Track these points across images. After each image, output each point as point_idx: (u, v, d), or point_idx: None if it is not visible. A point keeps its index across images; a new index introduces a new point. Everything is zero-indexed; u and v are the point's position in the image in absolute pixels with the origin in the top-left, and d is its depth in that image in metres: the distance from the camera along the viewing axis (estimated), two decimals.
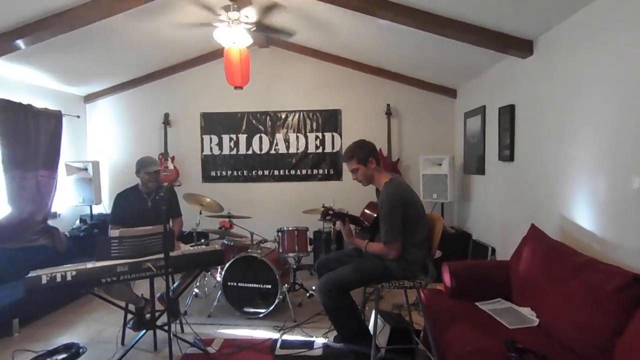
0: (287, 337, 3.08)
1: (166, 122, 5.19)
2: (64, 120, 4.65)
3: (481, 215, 4.13)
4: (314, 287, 3.91)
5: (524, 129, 3.13)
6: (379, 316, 2.53)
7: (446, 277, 2.58)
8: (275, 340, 3.01)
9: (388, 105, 4.92)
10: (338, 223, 2.33)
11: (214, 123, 5.23)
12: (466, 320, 2.21)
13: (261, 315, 3.39)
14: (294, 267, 3.95)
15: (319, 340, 2.98)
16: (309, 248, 3.70)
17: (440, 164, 4.28)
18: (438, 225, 2.32)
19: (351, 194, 4.92)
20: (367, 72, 4.91)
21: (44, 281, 2.19)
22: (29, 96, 4.25)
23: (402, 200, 2.24)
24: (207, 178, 5.26)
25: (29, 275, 2.21)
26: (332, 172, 5.13)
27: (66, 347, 2.90)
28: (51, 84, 4.62)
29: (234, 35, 3.36)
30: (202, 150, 5.25)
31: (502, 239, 3.53)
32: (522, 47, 2.93)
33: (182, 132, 5.26)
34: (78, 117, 5.09)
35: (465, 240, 4.24)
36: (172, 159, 5.14)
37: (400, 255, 2.24)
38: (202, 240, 4.09)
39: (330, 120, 5.11)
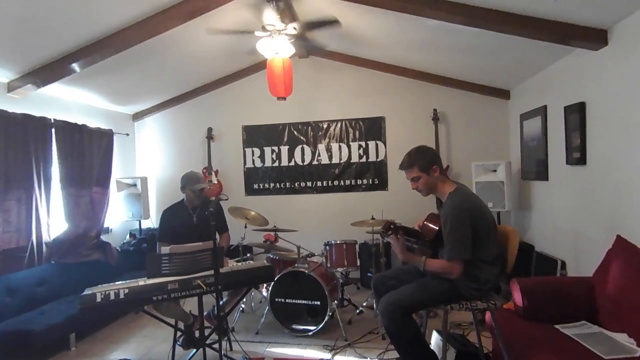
0: (340, 357, 2.91)
1: (209, 136, 5.25)
2: (115, 138, 4.82)
3: (545, 225, 3.77)
4: (364, 304, 3.73)
5: (598, 129, 2.80)
6: (440, 339, 2.30)
7: (517, 295, 2.31)
8: None
9: (435, 110, 4.69)
10: (391, 238, 2.13)
11: (255, 136, 5.22)
12: (548, 345, 1.94)
13: (310, 333, 3.25)
14: (342, 282, 3.78)
15: None
16: (358, 262, 3.51)
17: (495, 171, 3.97)
18: (512, 239, 2.07)
19: (398, 204, 4.73)
20: (411, 77, 4.72)
21: (98, 299, 2.19)
22: (83, 116, 4.44)
23: (471, 212, 2.02)
24: (250, 191, 5.24)
25: (85, 293, 2.21)
26: (377, 181, 4.95)
27: None
28: (102, 104, 4.82)
29: (276, 45, 3.32)
30: (245, 163, 5.25)
31: (574, 251, 3.17)
32: (593, 37, 2.63)
33: (225, 146, 5.30)
34: (127, 134, 5.27)
35: (527, 252, 3.86)
36: (216, 172, 5.17)
37: (470, 274, 2.02)
38: (248, 255, 4.03)
39: (373, 128, 4.95)
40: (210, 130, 5.25)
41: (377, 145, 4.95)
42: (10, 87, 3.58)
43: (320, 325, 3.21)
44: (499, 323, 2.17)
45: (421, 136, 4.71)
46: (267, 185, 5.21)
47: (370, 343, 3.09)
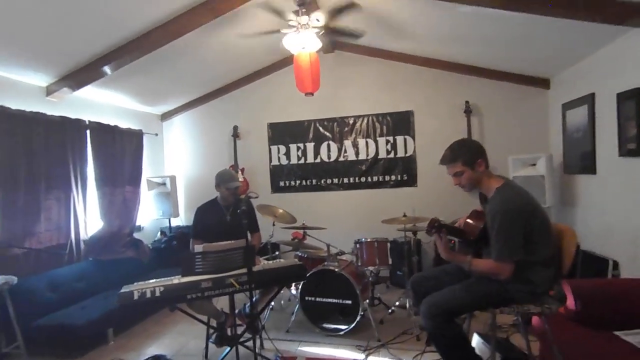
0: (373, 358, 2.85)
1: (235, 134, 5.27)
2: (145, 138, 4.92)
3: (593, 221, 3.53)
4: (396, 303, 3.65)
5: None
6: (483, 342, 2.20)
7: (568, 298, 2.17)
8: None
9: (467, 102, 4.52)
10: (435, 236, 2.03)
11: (281, 133, 5.21)
12: (609, 355, 1.80)
13: (342, 332, 3.20)
14: (372, 280, 3.71)
15: None
16: (389, 261, 3.43)
17: (535, 164, 3.78)
18: (568, 239, 1.93)
19: (428, 201, 4.61)
20: (441, 68, 4.57)
21: (135, 297, 2.21)
22: (114, 118, 4.55)
23: (522, 209, 1.89)
24: (276, 188, 5.24)
25: (122, 290, 2.24)
26: (405, 177, 4.83)
27: (155, 359, 2.95)
28: (132, 105, 4.92)
29: (303, 40, 3.27)
30: (270, 161, 5.25)
31: (630, 250, 2.94)
32: None
33: (251, 144, 5.31)
34: (156, 134, 5.37)
35: None
36: (242, 170, 5.20)
37: (521, 276, 1.89)
38: (277, 253, 4.02)
39: (401, 123, 4.83)
40: (236, 128, 5.28)
41: (405, 140, 4.83)
42: (49, 91, 3.70)
43: (352, 325, 3.16)
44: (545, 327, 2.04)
45: (452, 130, 4.56)
46: (292, 183, 5.19)
47: (405, 344, 3.01)
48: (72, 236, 3.79)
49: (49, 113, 3.62)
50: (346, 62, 4.91)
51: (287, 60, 4.90)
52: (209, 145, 5.47)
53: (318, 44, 3.33)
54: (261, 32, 3.51)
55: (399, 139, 4.84)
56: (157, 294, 2.24)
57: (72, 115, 3.89)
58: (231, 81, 5.17)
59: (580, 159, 3.57)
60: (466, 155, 2.03)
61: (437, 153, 4.47)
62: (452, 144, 2.13)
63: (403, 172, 4.84)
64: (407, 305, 3.44)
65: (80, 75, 3.61)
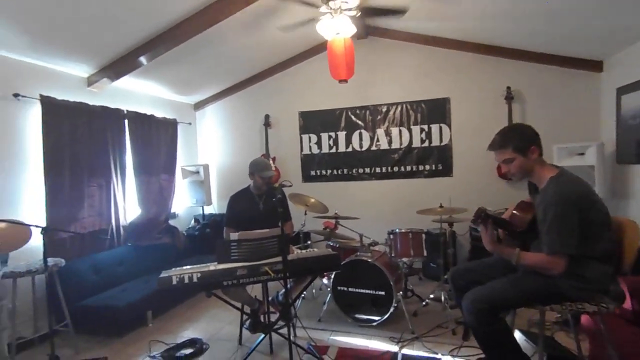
0: (407, 351, 2.79)
1: (266, 123, 5.28)
2: (179, 127, 5.01)
3: None
4: (431, 295, 3.57)
5: None
6: (526, 340, 2.10)
7: (627, 297, 2.02)
8: (395, 354, 2.75)
9: (508, 88, 4.29)
10: (481, 227, 1.92)
11: (312, 122, 5.16)
12: None
13: (374, 323, 3.16)
14: (406, 272, 3.64)
15: (446, 359, 2.64)
16: (424, 252, 3.34)
17: (583, 154, 3.54)
18: (630, 233, 1.77)
19: (464, 191, 4.46)
20: (480, 53, 4.36)
21: (174, 282, 2.26)
22: (150, 107, 4.66)
23: (579, 200, 1.75)
24: (307, 178, 5.22)
25: (162, 275, 2.30)
26: (440, 167, 4.68)
27: (192, 342, 3.04)
28: (167, 94, 5.02)
29: (337, 25, 3.19)
30: (302, 150, 5.23)
31: None
32: None
33: (282, 133, 5.30)
34: (190, 124, 5.47)
35: None
36: (273, 159, 5.21)
37: (573, 271, 1.77)
38: (309, 242, 4.02)
39: (437, 110, 4.66)
40: (267, 117, 5.28)
41: (440, 128, 4.66)
42: (90, 82, 3.83)
43: (385, 316, 3.12)
44: (597, 327, 1.91)
45: (492, 117, 4.36)
46: (323, 172, 5.15)
47: (440, 338, 2.93)
48: (113, 222, 3.94)
49: (90, 103, 3.74)
50: (379, 49, 4.77)
51: (319, 47, 4.83)
52: (241, 134, 5.52)
53: (352, 29, 3.25)
54: (298, 23, 3.43)
55: (434, 127, 4.68)
56: (195, 279, 2.28)
57: (112, 105, 4.01)
58: (263, 69, 5.17)
59: (636, 147, 3.31)
60: (518, 141, 1.89)
61: (475, 142, 4.43)
62: (503, 128, 2.00)
63: (438, 161, 4.69)
64: (442, 298, 3.35)
65: (118, 66, 3.71)
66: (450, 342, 2.84)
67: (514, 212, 2.02)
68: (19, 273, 2.74)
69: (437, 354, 2.70)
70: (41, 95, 3.31)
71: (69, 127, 3.51)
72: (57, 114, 3.41)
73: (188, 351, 2.90)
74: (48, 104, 3.34)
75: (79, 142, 3.59)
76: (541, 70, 4.26)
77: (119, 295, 3.38)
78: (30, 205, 3.26)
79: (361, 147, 4.97)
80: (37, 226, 2.67)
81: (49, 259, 2.76)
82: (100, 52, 3.51)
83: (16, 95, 3.16)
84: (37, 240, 2.93)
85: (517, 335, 2.27)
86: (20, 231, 2.87)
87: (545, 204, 1.81)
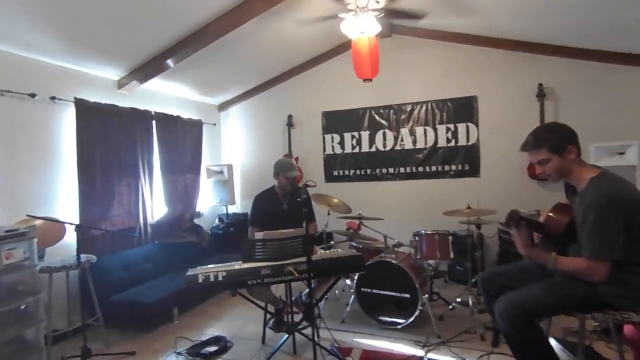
0: (433, 355, 2.73)
1: (289, 123, 5.30)
2: (204, 128, 5.10)
3: None
4: (458, 299, 3.48)
5: None
6: (562, 349, 2.00)
7: None
8: (421, 358, 2.69)
9: (540, 85, 4.13)
10: (513, 230, 1.85)
11: (335, 121, 5.14)
12: None
13: (399, 326, 3.11)
14: (431, 274, 3.56)
15: None
16: (451, 255, 3.26)
17: (623, 153, 3.35)
18: None
19: (492, 192, 4.33)
20: (510, 49, 4.22)
21: (200, 280, 2.29)
22: (176, 108, 4.76)
23: (624, 202, 1.65)
24: (329, 178, 5.21)
25: (188, 273, 2.33)
26: (467, 167, 4.57)
27: (216, 340, 3.08)
28: (192, 95, 5.12)
29: (362, 24, 3.16)
30: (324, 150, 5.22)
31: None
32: None
33: (305, 133, 5.31)
34: (214, 124, 5.56)
35: None
36: (296, 159, 5.22)
37: (616, 277, 1.67)
38: (332, 243, 4.00)
39: (464, 109, 4.55)
40: (290, 117, 5.30)
41: (467, 127, 4.55)
42: (120, 84, 3.95)
43: (410, 319, 3.07)
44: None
45: (522, 116, 4.22)
46: (346, 172, 5.12)
47: (468, 343, 2.85)
48: (141, 220, 4.05)
49: (120, 105, 3.86)
50: (404, 47, 4.70)
51: (342, 46, 4.80)
52: (264, 135, 5.56)
53: (377, 28, 3.21)
54: (318, 18, 3.44)
55: (461, 127, 4.57)
56: (220, 278, 2.31)
57: (140, 106, 4.12)
58: (286, 70, 5.19)
59: None
60: (554, 141, 1.80)
61: (504, 141, 4.30)
62: (537, 128, 1.91)
63: (464, 161, 4.57)
64: (470, 302, 3.26)
65: (147, 69, 3.81)
66: (479, 348, 2.76)
67: (550, 214, 1.93)
68: (55, 268, 2.85)
69: (464, 359, 2.63)
70: (75, 98, 3.43)
71: (100, 128, 3.62)
72: (89, 116, 3.53)
73: (213, 348, 2.94)
74: (81, 106, 3.47)
75: (109, 142, 3.70)
76: (577, 66, 4.07)
77: (146, 291, 3.46)
78: (65, 203, 3.40)
79: (385, 147, 4.91)
80: (71, 223, 2.78)
81: (81, 255, 2.86)
82: (130, 55, 3.61)
83: (53, 98, 3.29)
84: (71, 237, 3.06)
85: (553, 343, 2.17)
86: (55, 228, 3.00)
87: (585, 206, 1.72)
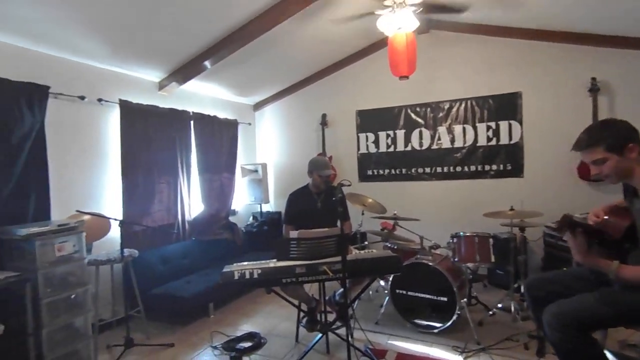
0: None
1: (323, 122, 5.28)
2: (239, 127, 5.19)
3: None
4: (499, 305, 3.33)
5: None
6: None
7: None
8: None
9: (593, 79, 3.85)
10: (567, 236, 1.71)
11: (369, 120, 5.07)
12: None
13: (436, 330, 3.01)
14: (470, 278, 3.43)
15: None
16: (492, 258, 3.12)
17: None
18: None
19: (536, 193, 4.11)
20: (560, 41, 3.96)
21: (235, 277, 2.32)
22: (213, 108, 4.87)
23: None
24: (363, 177, 5.15)
25: (224, 270, 2.37)
26: (509, 167, 4.35)
27: (250, 336, 3.12)
28: (228, 96, 5.22)
29: (399, 20, 3.08)
30: (358, 149, 5.16)
31: None
32: None
33: (339, 132, 5.27)
34: (249, 124, 5.64)
35: None
36: (330, 158, 5.19)
37: None
38: (366, 243, 3.95)
39: (506, 106, 4.33)
40: (324, 116, 5.28)
41: (510, 125, 4.33)
42: (161, 86, 4.10)
43: (448, 324, 2.96)
44: None
45: (571, 112, 3.97)
46: (381, 172, 5.04)
47: (510, 351, 2.71)
48: (179, 217, 4.18)
49: (161, 106, 4.00)
50: (442, 42, 4.55)
51: (378, 44, 4.73)
52: (298, 134, 5.58)
53: (415, 23, 3.12)
54: (355, 16, 3.40)
55: (503, 125, 4.36)
56: (255, 275, 2.33)
57: (179, 107, 4.25)
58: (320, 69, 5.18)
59: None
60: (612, 139, 1.64)
61: (551, 139, 4.07)
62: (591, 125, 1.75)
63: (506, 161, 4.35)
64: (512, 308, 3.10)
65: (186, 70, 3.93)
66: (522, 357, 2.62)
67: (607, 218, 1.77)
68: (101, 261, 3.00)
69: None
70: (120, 100, 3.59)
71: (142, 128, 3.77)
72: (132, 117, 3.68)
73: (247, 344, 2.97)
74: (125, 107, 3.62)
75: (150, 142, 3.85)
76: (636, 58, 3.75)
77: (184, 286, 3.56)
78: (110, 200, 3.56)
79: (421, 146, 4.78)
80: (115, 219, 2.92)
81: (125, 250, 2.99)
82: (170, 58, 3.73)
83: (100, 100, 3.46)
84: (115, 232, 3.20)
85: (609, 356, 2.02)
86: (102, 223, 3.16)
87: None
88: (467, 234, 3.17)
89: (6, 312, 2.43)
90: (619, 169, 1.67)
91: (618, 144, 1.64)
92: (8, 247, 2.60)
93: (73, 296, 2.75)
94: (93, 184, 3.45)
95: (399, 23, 3.09)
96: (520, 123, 4.27)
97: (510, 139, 4.33)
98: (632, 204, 1.73)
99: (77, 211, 2.90)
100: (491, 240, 3.12)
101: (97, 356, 2.85)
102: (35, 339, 2.48)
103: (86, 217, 2.92)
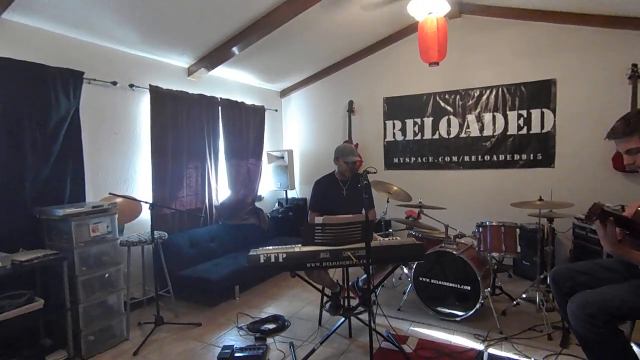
0: (494, 351, 2.60)
1: (350, 109, 5.25)
2: (266, 114, 5.23)
3: None
4: (523, 295, 3.27)
5: None
6: None
7: None
8: (480, 352, 2.58)
9: (634, 65, 3.65)
10: (597, 226, 1.67)
11: (397, 108, 5.01)
12: None
13: (458, 318, 3.01)
14: (495, 268, 3.38)
15: None
16: (518, 248, 3.06)
17: None
18: None
19: (568, 184, 3.98)
20: (596, 25, 3.77)
21: (261, 260, 2.37)
22: (240, 95, 4.93)
23: None
24: (389, 165, 5.11)
25: (250, 253, 2.42)
26: (540, 157, 4.22)
27: (274, 318, 3.20)
28: (255, 82, 5.26)
29: (430, 4, 3.00)
30: (385, 137, 5.12)
31: None
32: None
33: (365, 119, 5.24)
34: (276, 110, 5.68)
35: None
36: (356, 146, 5.18)
37: None
38: (390, 230, 3.95)
39: (539, 94, 4.17)
40: (351, 103, 5.25)
41: (542, 113, 4.17)
42: (190, 72, 4.17)
43: (471, 312, 2.95)
44: None
45: (609, 100, 3.80)
46: (407, 160, 4.99)
47: (533, 341, 2.68)
48: (207, 202, 4.29)
49: (189, 91, 4.08)
50: (474, 27, 4.40)
51: (406, 30, 4.63)
52: (324, 121, 5.57)
53: (446, 7, 3.04)
54: (385, 1, 3.31)
55: (535, 113, 4.21)
56: (280, 259, 2.37)
57: (207, 93, 4.32)
58: (347, 55, 5.13)
59: None
60: None
61: (586, 128, 3.93)
62: (627, 114, 1.69)
63: (537, 150, 4.22)
64: (537, 299, 3.05)
65: (214, 56, 3.98)
66: (546, 347, 2.58)
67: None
68: (132, 242, 3.12)
69: (529, 358, 2.47)
70: (150, 85, 3.69)
71: (171, 114, 3.86)
72: (162, 102, 3.77)
73: (272, 326, 3.06)
74: (156, 92, 3.72)
75: (179, 127, 3.94)
76: None
77: (211, 269, 3.68)
78: (141, 183, 3.70)
79: (449, 134, 4.69)
80: (146, 202, 3.02)
81: (155, 232, 3.11)
82: (199, 44, 3.79)
83: (131, 85, 3.57)
84: (145, 215, 3.33)
85: (637, 350, 1.96)
86: (133, 206, 3.28)
87: None
88: (493, 224, 3.12)
89: (46, 288, 2.59)
90: None
91: None
92: (47, 226, 2.74)
93: (107, 275, 2.89)
94: (125, 167, 3.58)
95: (430, 7, 3.02)
96: (554, 111, 4.11)
97: (542, 127, 4.18)
98: None
99: (110, 194, 3.02)
100: (518, 230, 3.06)
101: (129, 332, 3.00)
102: (72, 313, 2.63)
103: (119, 199, 3.03)
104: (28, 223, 2.71)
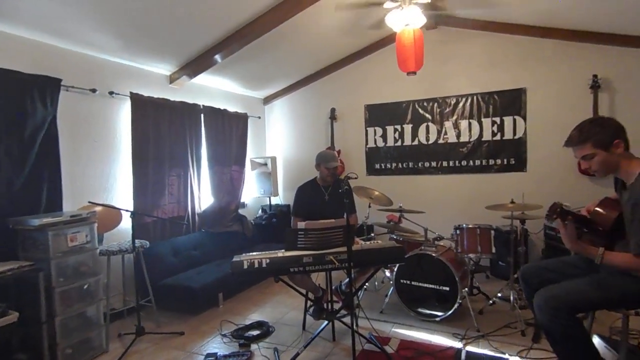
0: (472, 348, 2.71)
1: (332, 116, 5.34)
2: (249, 121, 5.27)
3: None
4: (498, 294, 3.40)
5: None
6: (606, 346, 1.93)
7: None
8: (459, 351, 2.68)
9: (594, 76, 3.89)
10: (556, 223, 1.81)
11: (378, 115, 5.13)
12: None
13: (438, 318, 3.10)
14: (472, 269, 3.50)
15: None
16: (493, 249, 3.19)
17: None
18: None
19: (539, 187, 4.17)
20: (563, 39, 4.00)
21: (245, 266, 2.40)
22: (223, 102, 4.95)
23: None
24: (371, 171, 5.22)
25: (234, 259, 2.45)
26: (513, 162, 4.41)
27: (259, 324, 3.22)
28: (238, 89, 5.29)
29: (407, 16, 3.13)
30: (367, 143, 5.22)
31: None
32: None
33: (347, 126, 5.34)
34: (259, 117, 5.72)
35: None
36: (338, 152, 5.26)
37: None
38: (372, 235, 4.03)
39: (511, 102, 4.38)
40: (333, 110, 5.34)
41: (514, 121, 4.38)
42: (171, 79, 4.18)
43: (449, 312, 3.05)
44: None
45: (574, 108, 4.01)
46: (388, 165, 5.10)
47: (508, 338, 2.80)
48: (189, 209, 4.27)
49: (171, 99, 4.08)
50: (450, 38, 4.59)
51: (386, 40, 4.78)
52: (307, 128, 5.64)
53: (423, 19, 3.17)
54: (363, 4, 3.37)
55: (507, 120, 4.41)
56: (264, 265, 2.40)
57: (190, 100, 4.33)
58: (330, 63, 5.23)
59: None
60: (599, 135, 1.74)
61: (554, 135, 4.13)
62: (581, 123, 1.84)
63: (510, 155, 4.41)
64: (511, 297, 3.18)
65: (196, 64, 4.00)
66: (519, 343, 2.70)
67: (597, 209, 1.86)
68: (112, 252, 3.07)
69: (504, 354, 2.59)
70: (131, 93, 3.67)
71: (153, 121, 3.85)
72: (143, 109, 3.76)
73: (256, 332, 3.07)
74: (137, 100, 3.71)
75: (161, 135, 3.93)
76: (635, 56, 3.79)
77: (194, 277, 3.66)
78: (122, 191, 3.66)
79: (428, 140, 4.84)
80: (127, 210, 2.96)
81: (136, 240, 3.06)
82: (181, 51, 3.80)
83: (111, 93, 3.55)
84: (126, 224, 3.29)
85: (596, 340, 2.11)
86: (113, 214, 3.23)
87: (634, 200, 1.66)
88: (470, 226, 3.24)
89: (21, 300, 2.45)
90: (605, 163, 1.77)
91: (605, 140, 1.74)
92: (22, 237, 2.63)
93: (86, 286, 2.79)
94: (105, 176, 3.54)
95: (407, 19, 3.14)
96: (524, 118, 4.33)
97: (515, 134, 4.38)
98: (621, 195, 1.83)
99: (89, 202, 2.96)
100: (492, 232, 3.20)
101: (108, 344, 2.93)
102: (48, 326, 2.52)
103: (98, 208, 2.97)
104: (1, 234, 2.61)
